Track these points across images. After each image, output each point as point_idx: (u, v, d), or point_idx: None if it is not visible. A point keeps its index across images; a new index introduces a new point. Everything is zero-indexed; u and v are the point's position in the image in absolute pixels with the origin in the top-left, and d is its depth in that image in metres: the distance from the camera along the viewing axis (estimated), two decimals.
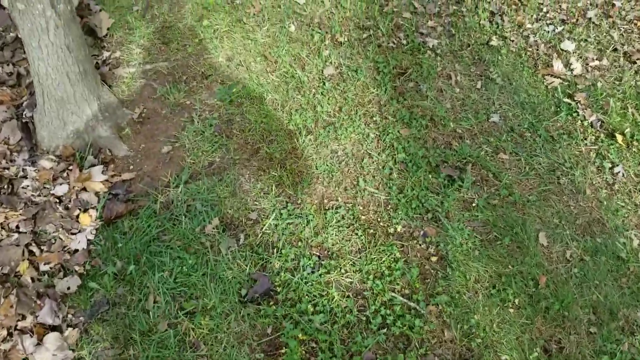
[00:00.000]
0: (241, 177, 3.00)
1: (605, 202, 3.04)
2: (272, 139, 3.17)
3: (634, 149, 3.29)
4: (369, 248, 2.76)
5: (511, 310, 2.60)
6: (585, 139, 3.34)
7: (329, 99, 3.38)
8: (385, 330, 2.50)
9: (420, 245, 2.80)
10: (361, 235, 2.80)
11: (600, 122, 3.42)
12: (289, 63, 3.53)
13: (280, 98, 3.36)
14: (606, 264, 2.78)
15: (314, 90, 3.42)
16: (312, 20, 3.79)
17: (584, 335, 2.54)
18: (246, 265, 2.66)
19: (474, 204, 2.96)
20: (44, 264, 2.62)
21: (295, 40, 3.67)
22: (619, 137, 3.32)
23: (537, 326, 2.56)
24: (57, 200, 2.84)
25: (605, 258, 2.80)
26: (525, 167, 3.16)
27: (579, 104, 3.50)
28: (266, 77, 3.47)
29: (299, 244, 2.76)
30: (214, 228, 2.78)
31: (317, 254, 2.74)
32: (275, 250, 2.73)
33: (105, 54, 3.52)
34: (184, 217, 2.81)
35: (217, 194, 2.91)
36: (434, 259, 2.76)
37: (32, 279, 2.57)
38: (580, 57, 3.78)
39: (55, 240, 2.71)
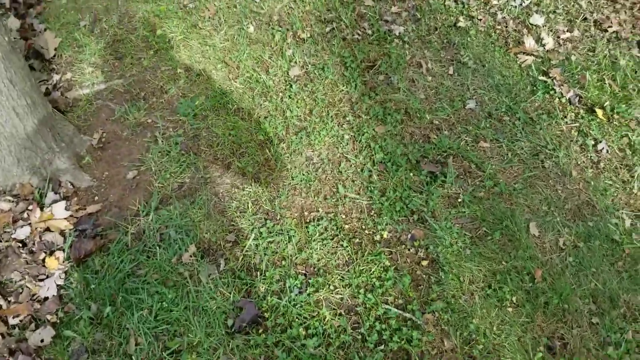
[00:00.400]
0: (214, 196, 2.83)
1: (592, 183, 2.95)
2: (243, 151, 3.00)
3: (615, 123, 3.21)
4: (356, 259, 2.64)
5: (510, 310, 2.51)
6: (565, 117, 3.24)
7: (297, 102, 3.21)
8: (382, 347, 2.39)
9: (409, 250, 2.68)
10: (347, 246, 2.67)
11: (578, 98, 3.32)
12: (251, 67, 3.35)
13: (246, 106, 3.19)
14: (601, 249, 2.71)
15: (281, 94, 3.25)
16: (271, 18, 3.60)
17: (586, 327, 2.46)
18: (230, 293, 2.51)
19: (459, 200, 2.85)
20: (13, 317, 2.44)
21: (256, 41, 3.49)
22: (599, 112, 3.22)
23: (538, 323, 2.48)
24: (20, 245, 2.65)
25: (599, 242, 2.72)
26: (507, 154, 3.05)
27: (554, 80, 3.39)
28: (229, 84, 3.28)
29: (283, 263, 2.62)
30: (191, 256, 2.62)
31: (303, 272, 2.60)
32: (258, 273, 2.59)
33: (55, 77, 3.29)
34: (158, 247, 2.64)
35: (191, 218, 2.74)
36: (424, 263, 2.64)
37: (2, 335, 2.39)
38: (551, 31, 3.66)
39: (23, 289, 2.52)
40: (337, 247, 2.68)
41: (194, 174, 2.91)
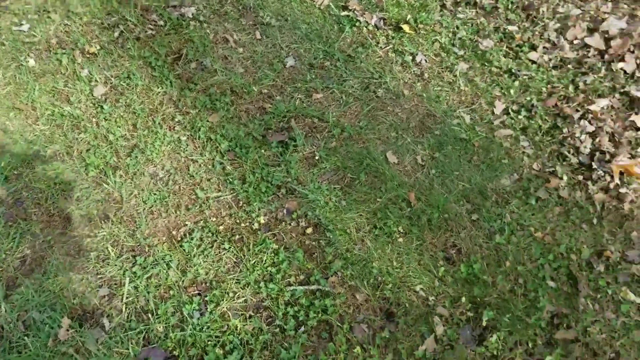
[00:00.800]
0: (67, 256, 2.50)
1: (424, 94, 3.08)
2: (79, 196, 2.68)
3: (422, 32, 3.36)
4: (244, 256, 2.51)
5: (401, 240, 2.57)
6: (378, 42, 3.32)
7: (116, 121, 2.92)
8: (303, 328, 2.32)
9: (290, 224, 2.61)
10: (229, 248, 2.53)
11: (382, 21, 3.42)
12: (49, 103, 2.96)
13: (61, 147, 2.82)
14: (454, 152, 2.85)
15: (94, 119, 2.93)
16: (49, 44, 3.19)
17: (470, 227, 2.60)
18: (128, 349, 2.26)
19: (316, 157, 2.82)
20: None
21: (43, 74, 3.08)
22: (405, 27, 3.34)
23: (430, 242, 2.57)
24: None
25: (451, 146, 2.87)
26: (341, 97, 3.07)
27: (355, 11, 3.44)
28: (32, 130, 2.88)
29: (172, 292, 2.41)
30: (68, 330, 2.31)
31: (196, 292, 2.42)
32: (150, 314, 2.35)
33: None
34: (26, 337, 2.28)
35: (51, 290, 2.40)
36: (309, 231, 2.59)
37: None
38: None
39: None
40: (220, 252, 2.52)
41: (33, 242, 2.54)
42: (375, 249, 2.54)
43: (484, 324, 2.32)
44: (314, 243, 2.57)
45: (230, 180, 2.72)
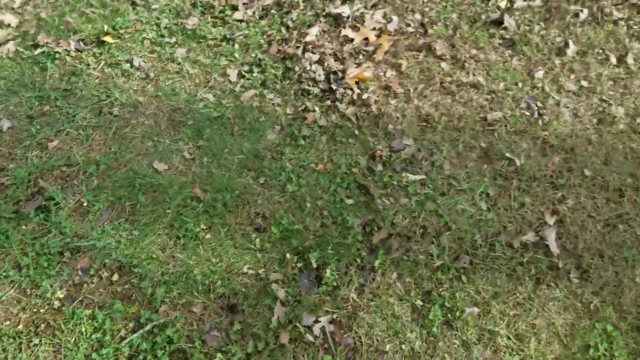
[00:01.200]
0: None
1: (160, 93, 3.00)
2: None
3: (126, 36, 3.23)
4: (60, 339, 2.25)
5: (209, 236, 2.52)
6: (89, 65, 3.12)
7: None
8: None
9: (92, 283, 2.40)
10: (41, 341, 2.24)
11: (81, 42, 3.21)
12: None
13: None
14: (215, 132, 2.85)
15: None
16: None
17: (262, 191, 2.65)
18: None
19: (85, 204, 2.60)
20: None
21: None
22: (108, 38, 3.19)
23: (235, 222, 2.56)
24: None
25: (209, 129, 2.86)
26: (79, 133, 2.84)
27: (48, 44, 3.17)
28: None
29: None
30: None
31: None
32: None
33: None
34: None
35: None
36: (115, 277, 2.41)
37: None
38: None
39: None
40: (32, 351, 2.22)
41: None
42: (189, 257, 2.47)
43: (315, 265, 2.43)
44: (126, 286, 2.40)
45: (4, 274, 2.39)
